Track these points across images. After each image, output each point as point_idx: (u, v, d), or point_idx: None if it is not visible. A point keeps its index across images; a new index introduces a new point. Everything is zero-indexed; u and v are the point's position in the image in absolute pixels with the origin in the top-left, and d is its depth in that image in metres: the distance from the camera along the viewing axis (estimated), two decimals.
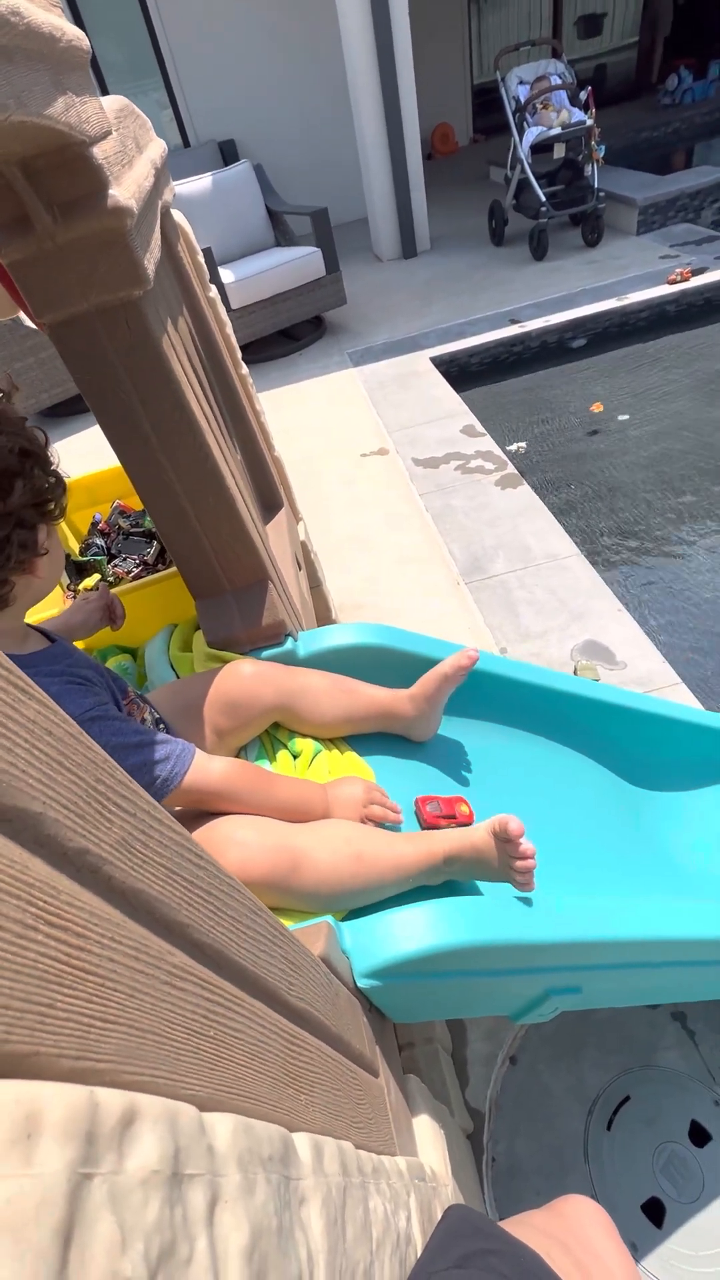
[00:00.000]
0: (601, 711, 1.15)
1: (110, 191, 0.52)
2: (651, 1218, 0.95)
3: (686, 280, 3.43)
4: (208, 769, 0.72)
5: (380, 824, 0.81)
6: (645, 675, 1.64)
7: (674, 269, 3.55)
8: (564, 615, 1.85)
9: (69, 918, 0.21)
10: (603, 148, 3.99)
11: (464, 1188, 0.80)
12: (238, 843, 0.68)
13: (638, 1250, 0.93)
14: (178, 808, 0.76)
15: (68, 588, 1.24)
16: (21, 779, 0.20)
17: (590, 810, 1.08)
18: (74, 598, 1.18)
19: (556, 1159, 1.02)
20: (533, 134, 3.98)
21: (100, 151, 0.52)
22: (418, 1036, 1.04)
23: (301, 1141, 0.31)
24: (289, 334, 3.97)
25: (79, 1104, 0.17)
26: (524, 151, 4.00)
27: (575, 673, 1.67)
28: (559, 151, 3.99)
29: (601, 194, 4.03)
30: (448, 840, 0.76)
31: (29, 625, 0.73)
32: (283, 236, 3.95)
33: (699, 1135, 1.01)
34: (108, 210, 0.51)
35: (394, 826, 0.82)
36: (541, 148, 3.99)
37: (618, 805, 1.13)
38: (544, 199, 3.97)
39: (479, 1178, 1.02)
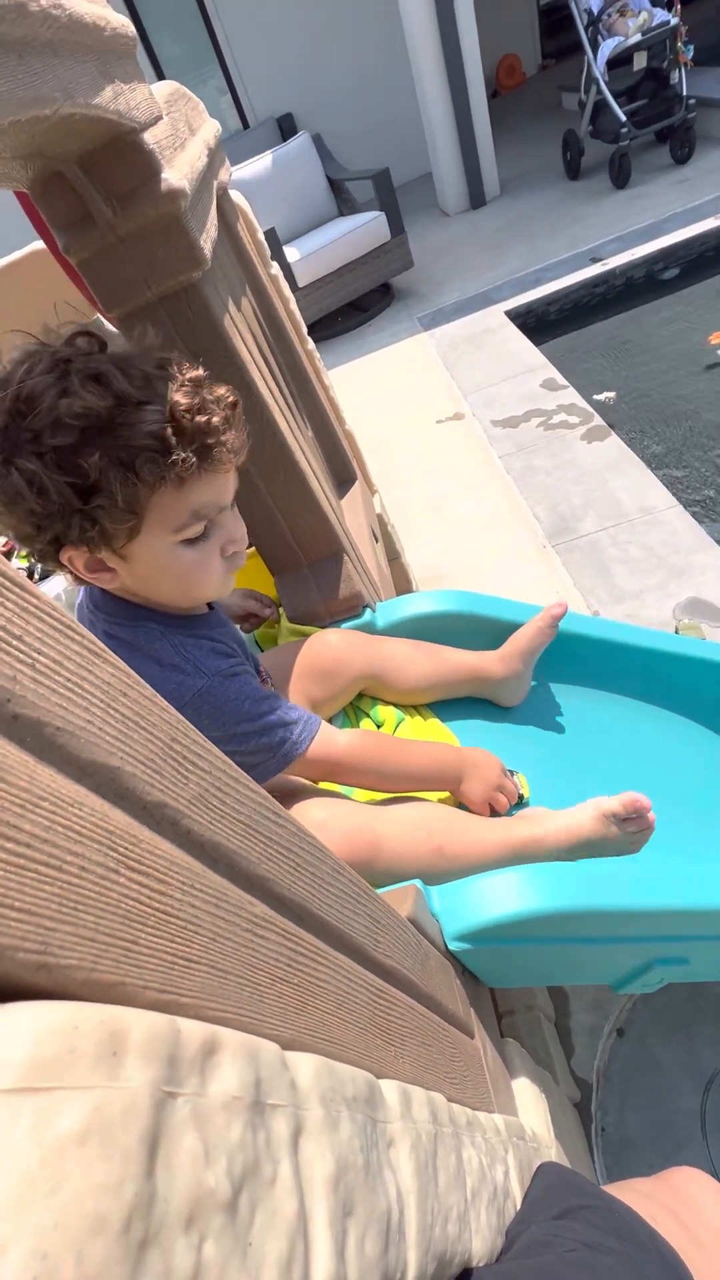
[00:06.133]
0: (704, 670, 1.07)
1: (163, 175, 0.53)
2: None
3: None
4: (333, 740, 0.70)
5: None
6: None
7: None
8: (663, 572, 1.72)
9: (150, 864, 0.22)
10: (690, 48, 3.57)
11: (573, 1154, 0.80)
12: (314, 824, 0.67)
13: None
14: (296, 778, 0.75)
15: None
16: (99, 736, 0.22)
17: (693, 775, 1.02)
18: None
19: (670, 1133, 0.99)
20: (608, 47, 3.62)
21: (151, 137, 0.52)
22: (518, 1004, 1.03)
23: (389, 1087, 0.32)
24: (356, 305, 3.91)
25: (162, 1029, 0.18)
26: (599, 69, 3.65)
27: (677, 632, 1.57)
28: (640, 62, 3.61)
29: (692, 101, 3.61)
30: (543, 831, 0.72)
31: None
32: (345, 205, 3.88)
33: None
34: (161, 195, 0.52)
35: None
36: (619, 61, 3.63)
37: None
38: (624, 118, 3.62)
39: (589, 1146, 1.01)
